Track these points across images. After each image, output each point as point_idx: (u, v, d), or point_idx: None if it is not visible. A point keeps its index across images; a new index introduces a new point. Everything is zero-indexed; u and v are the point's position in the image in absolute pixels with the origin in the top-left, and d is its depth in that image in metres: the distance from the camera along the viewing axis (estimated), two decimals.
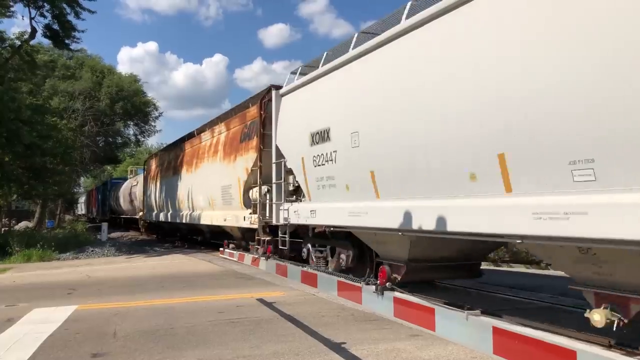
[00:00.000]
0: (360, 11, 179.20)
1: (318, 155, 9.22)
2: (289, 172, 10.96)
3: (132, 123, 40.05)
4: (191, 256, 17.91)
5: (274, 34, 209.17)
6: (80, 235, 25.89)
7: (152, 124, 41.03)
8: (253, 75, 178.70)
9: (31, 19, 19.41)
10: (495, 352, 5.28)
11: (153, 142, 79.25)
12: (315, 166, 9.37)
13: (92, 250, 19.67)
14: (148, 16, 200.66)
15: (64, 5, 19.19)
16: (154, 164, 27.33)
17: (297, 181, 10.78)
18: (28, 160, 20.20)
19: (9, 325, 7.05)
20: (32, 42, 20.98)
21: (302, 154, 9.88)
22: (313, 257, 10.75)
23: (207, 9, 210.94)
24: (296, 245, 11.61)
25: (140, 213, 29.48)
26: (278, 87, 11.77)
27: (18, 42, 20.30)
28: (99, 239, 25.64)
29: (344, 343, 5.79)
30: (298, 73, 10.81)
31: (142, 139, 43.29)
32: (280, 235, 11.64)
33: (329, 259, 10.28)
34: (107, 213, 42.52)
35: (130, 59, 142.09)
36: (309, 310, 7.78)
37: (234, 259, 15.69)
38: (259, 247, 13.43)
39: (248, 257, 14.53)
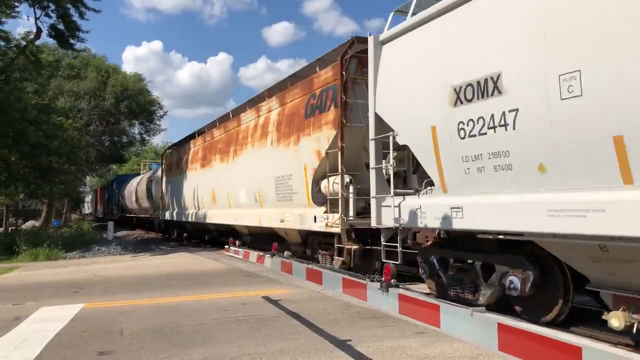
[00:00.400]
0: (364, 9, 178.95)
1: (470, 120, 6.03)
2: (397, 150, 7.73)
3: (137, 122, 40.15)
4: (197, 254, 17.96)
5: (279, 32, 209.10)
6: (86, 234, 26.07)
7: (157, 122, 41.14)
8: (257, 74, 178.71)
9: (36, 19, 19.53)
10: (501, 348, 5.27)
11: (158, 140, 79.36)
12: (462, 138, 6.17)
13: (98, 249, 19.79)
14: (153, 15, 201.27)
15: (69, 5, 19.27)
16: (174, 156, 24.36)
17: (407, 163, 7.82)
18: (34, 159, 20.33)
19: (16, 324, 7.10)
20: (37, 42, 21.07)
21: (432, 121, 6.68)
22: (443, 277, 7.21)
23: (211, 8, 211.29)
24: (394, 254, 7.62)
25: (158, 212, 26.44)
26: (362, 40, 9.08)
27: (24, 43, 20.39)
28: (105, 237, 25.75)
29: (350, 340, 5.80)
30: (410, 11, 7.53)
31: (148, 138, 43.45)
32: (383, 243, 7.84)
33: (480, 282, 6.64)
34: (116, 212, 40.63)
35: (135, 58, 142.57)
36: (314, 307, 7.78)
37: (239, 257, 15.74)
38: (339, 257, 10.12)
39: (253, 255, 14.56)
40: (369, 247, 9.38)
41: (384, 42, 7.94)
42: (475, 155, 6.06)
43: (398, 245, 7.49)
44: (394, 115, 7.67)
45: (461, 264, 7.00)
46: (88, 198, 66.99)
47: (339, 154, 9.99)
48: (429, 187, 7.18)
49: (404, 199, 7.44)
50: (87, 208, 67.70)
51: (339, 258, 10.13)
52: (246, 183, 14.60)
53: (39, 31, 19.82)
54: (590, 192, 4.70)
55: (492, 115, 5.72)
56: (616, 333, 4.91)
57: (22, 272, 13.96)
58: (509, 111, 5.51)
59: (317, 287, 9.71)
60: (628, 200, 4.37)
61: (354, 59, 9.97)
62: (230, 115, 17.51)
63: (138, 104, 36.81)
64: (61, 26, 19.90)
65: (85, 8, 19.42)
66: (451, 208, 6.44)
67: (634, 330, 4.70)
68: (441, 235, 7.30)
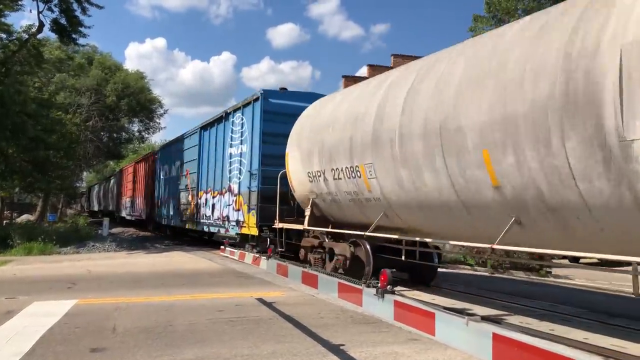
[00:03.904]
0: (369, 14, 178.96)
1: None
2: None
3: (136, 119, 40.16)
4: (192, 254, 17.89)
5: (283, 33, 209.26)
6: (81, 230, 25.97)
7: (157, 121, 41.21)
8: (260, 75, 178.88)
9: (39, 12, 19.50)
10: (495, 358, 5.25)
11: (157, 138, 79.22)
12: None
13: (93, 245, 19.72)
14: (158, 13, 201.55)
15: (72, 0, 19.28)
16: None
17: None
18: (32, 153, 20.29)
19: (8, 318, 7.05)
20: (41, 37, 21.09)
21: None
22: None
23: (217, 7, 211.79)
24: None
25: None
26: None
27: (26, 36, 20.36)
28: (100, 234, 25.68)
29: (343, 345, 5.78)
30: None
31: (146, 135, 43.47)
32: None
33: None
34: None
35: (138, 55, 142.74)
36: (309, 311, 7.76)
37: (235, 258, 15.68)
38: None
39: (249, 256, 14.52)
40: None
41: None
42: None
43: None
44: None
45: None
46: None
47: None
48: None
49: None
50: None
51: None
52: None
53: (41, 25, 19.80)
54: None
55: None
56: None
57: (16, 265, 13.89)
58: None
59: (312, 291, 9.68)
60: None
61: None
62: None
63: (138, 101, 36.84)
64: (63, 21, 19.90)
65: (88, 4, 19.45)
66: None
67: None
68: None
